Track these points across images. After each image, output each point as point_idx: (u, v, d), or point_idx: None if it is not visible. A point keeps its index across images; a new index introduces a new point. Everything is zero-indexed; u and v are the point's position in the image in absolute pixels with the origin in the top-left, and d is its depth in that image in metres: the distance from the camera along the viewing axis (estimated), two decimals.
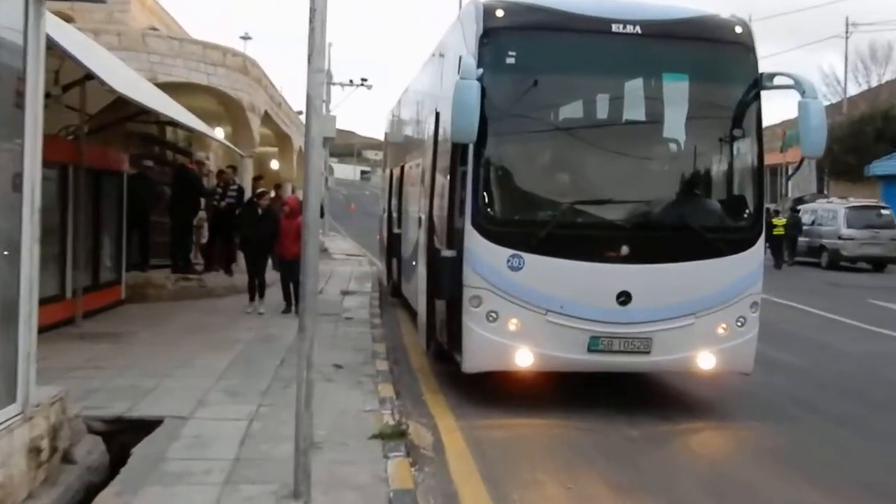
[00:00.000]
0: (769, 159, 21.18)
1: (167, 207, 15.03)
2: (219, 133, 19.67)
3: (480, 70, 7.32)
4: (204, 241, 17.45)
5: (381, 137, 21.34)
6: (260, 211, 12.85)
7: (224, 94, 16.73)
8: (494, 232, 7.52)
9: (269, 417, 6.92)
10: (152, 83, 13.52)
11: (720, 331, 7.82)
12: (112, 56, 11.89)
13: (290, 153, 26.89)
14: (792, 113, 7.87)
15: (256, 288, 12.94)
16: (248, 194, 15.75)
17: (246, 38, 61.11)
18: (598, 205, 7.70)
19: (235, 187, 15.76)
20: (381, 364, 9.35)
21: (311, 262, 4.98)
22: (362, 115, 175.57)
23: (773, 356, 10.29)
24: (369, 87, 41.37)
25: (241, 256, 14.09)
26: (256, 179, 16.71)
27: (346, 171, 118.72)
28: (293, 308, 12.20)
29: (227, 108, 17.70)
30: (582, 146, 7.89)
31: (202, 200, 15.94)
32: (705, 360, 7.87)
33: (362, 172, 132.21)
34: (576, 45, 7.78)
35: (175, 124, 14.92)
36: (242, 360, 9.29)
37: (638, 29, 7.61)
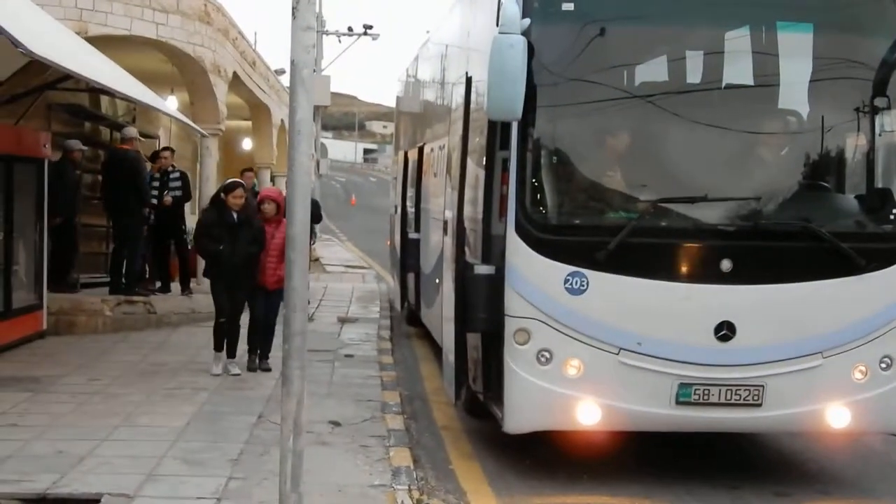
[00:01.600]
0: None
1: (108, 205, 15.15)
2: (171, 103, 19.81)
3: (527, 20, 7.38)
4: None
5: (392, 106, 21.46)
6: (235, 216, 11.07)
7: (178, 50, 16.83)
8: (547, 241, 7.57)
9: (242, 496, 6.97)
10: (82, 38, 13.69)
11: (857, 375, 7.82)
12: (26, 1, 12.05)
13: (268, 129, 27.02)
14: None
15: (227, 334, 11.37)
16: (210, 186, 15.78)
17: None
18: (688, 204, 7.74)
19: (178, 174, 15.87)
20: (394, 420, 9.42)
21: (298, 290, 5.05)
22: (365, 76, 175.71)
23: None
24: (375, 38, 41.22)
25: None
26: (245, 172, 16.86)
27: (345, 151, 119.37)
28: (259, 361, 11.51)
29: (183, 70, 17.81)
30: (666, 122, 7.92)
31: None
32: (837, 416, 7.86)
33: (366, 152, 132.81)
34: None
35: (112, 93, 15.08)
36: (206, 415, 9.38)
37: None
